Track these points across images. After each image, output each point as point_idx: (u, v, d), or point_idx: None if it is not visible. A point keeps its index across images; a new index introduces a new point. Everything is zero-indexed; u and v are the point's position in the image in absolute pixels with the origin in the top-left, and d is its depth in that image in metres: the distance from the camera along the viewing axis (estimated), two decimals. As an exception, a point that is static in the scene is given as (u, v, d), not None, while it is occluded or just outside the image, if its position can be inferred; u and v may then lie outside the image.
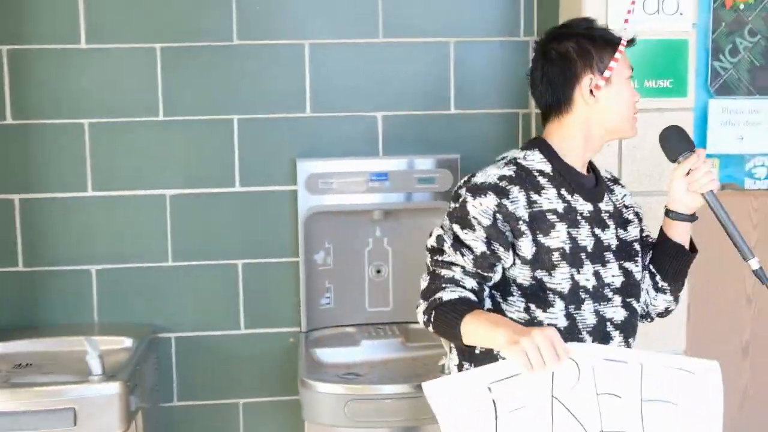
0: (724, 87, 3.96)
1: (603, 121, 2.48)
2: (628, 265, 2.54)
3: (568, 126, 2.50)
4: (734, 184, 3.99)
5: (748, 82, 3.96)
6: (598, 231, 2.47)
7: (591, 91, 2.46)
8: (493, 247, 2.38)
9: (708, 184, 2.47)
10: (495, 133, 3.96)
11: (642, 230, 2.69)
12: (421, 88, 3.93)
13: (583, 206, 2.48)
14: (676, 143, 2.52)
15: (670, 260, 2.62)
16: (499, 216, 2.37)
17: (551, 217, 2.41)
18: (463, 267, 2.37)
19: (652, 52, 3.50)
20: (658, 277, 2.65)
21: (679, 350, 3.57)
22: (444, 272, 2.37)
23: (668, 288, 2.66)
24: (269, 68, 3.86)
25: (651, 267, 2.66)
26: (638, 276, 2.58)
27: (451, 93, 3.95)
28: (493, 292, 2.47)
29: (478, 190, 2.40)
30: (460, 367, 2.56)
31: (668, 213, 2.60)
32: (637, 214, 2.68)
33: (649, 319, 2.75)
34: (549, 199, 2.44)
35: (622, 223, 2.59)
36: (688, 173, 2.48)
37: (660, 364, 2.12)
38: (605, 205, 2.54)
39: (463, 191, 2.44)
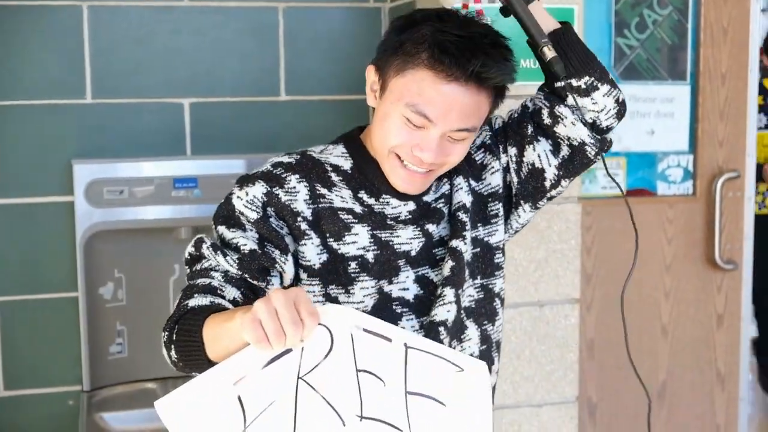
0: (631, 69, 3.89)
1: (373, 137, 2.25)
2: (482, 233, 2.34)
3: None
4: (644, 189, 3.93)
5: (659, 63, 3.91)
6: (430, 227, 2.29)
7: (375, 92, 2.23)
8: (265, 248, 2.18)
9: None
10: (337, 126, 3.63)
11: (508, 126, 2.38)
12: (241, 67, 3.66)
13: (399, 208, 2.27)
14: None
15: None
16: (270, 209, 2.20)
17: (345, 216, 2.23)
18: (225, 272, 2.15)
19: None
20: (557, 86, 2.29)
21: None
22: (200, 281, 2.13)
23: (573, 78, 2.27)
24: (33, 37, 3.50)
25: (537, 97, 2.33)
26: (498, 237, 2.36)
27: (281, 74, 3.71)
28: None
29: (246, 180, 2.23)
30: None
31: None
32: (490, 146, 2.37)
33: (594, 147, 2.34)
34: (342, 198, 2.25)
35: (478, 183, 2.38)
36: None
37: (426, 350, 1.96)
38: (433, 196, 2.33)
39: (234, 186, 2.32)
